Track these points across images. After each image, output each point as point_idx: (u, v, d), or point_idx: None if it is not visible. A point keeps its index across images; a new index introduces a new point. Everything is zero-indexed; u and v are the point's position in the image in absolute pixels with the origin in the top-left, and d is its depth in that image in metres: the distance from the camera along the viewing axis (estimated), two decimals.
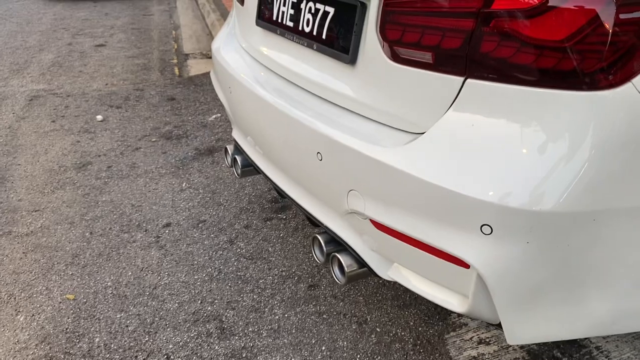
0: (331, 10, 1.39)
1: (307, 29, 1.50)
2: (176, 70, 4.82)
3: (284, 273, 2.13)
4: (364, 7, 1.28)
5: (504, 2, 1.00)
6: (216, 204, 2.64)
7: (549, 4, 0.97)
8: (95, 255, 2.30)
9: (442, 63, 1.11)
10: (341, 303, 1.94)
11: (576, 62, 0.97)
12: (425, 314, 1.85)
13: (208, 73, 4.68)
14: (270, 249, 2.28)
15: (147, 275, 2.17)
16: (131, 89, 4.34)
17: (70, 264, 2.25)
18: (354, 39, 1.31)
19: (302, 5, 1.52)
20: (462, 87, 1.10)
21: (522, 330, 1.18)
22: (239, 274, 2.14)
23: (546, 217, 1.00)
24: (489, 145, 1.06)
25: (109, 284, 2.13)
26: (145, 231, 2.45)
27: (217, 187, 2.79)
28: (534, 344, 1.72)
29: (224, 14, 6.17)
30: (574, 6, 0.96)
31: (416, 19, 1.13)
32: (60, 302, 2.02)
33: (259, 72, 1.75)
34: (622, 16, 0.94)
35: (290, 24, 1.58)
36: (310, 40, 1.49)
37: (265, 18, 1.74)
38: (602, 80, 0.97)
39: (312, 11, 1.47)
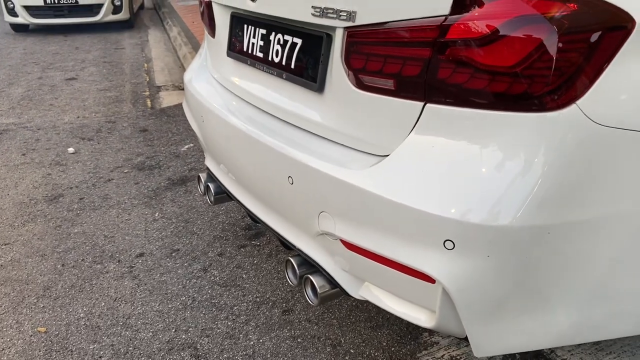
0: (299, 41, 1.46)
1: (276, 59, 1.57)
2: (148, 103, 4.85)
3: (258, 299, 2.14)
4: (330, 38, 1.35)
5: (458, 32, 1.08)
6: (189, 232, 2.66)
7: (499, 33, 1.05)
8: (68, 287, 2.29)
9: (403, 89, 1.18)
10: (315, 327, 1.97)
11: (525, 86, 1.05)
12: (397, 334, 1.89)
13: (180, 104, 4.72)
14: (244, 275, 2.30)
15: (120, 305, 2.16)
16: (103, 121, 4.34)
17: (41, 296, 2.23)
18: (321, 68, 1.38)
19: (272, 37, 1.59)
20: (422, 111, 1.17)
21: (488, 343, 1.23)
22: (213, 301, 2.15)
23: (503, 231, 1.07)
24: (448, 165, 1.12)
25: (81, 315, 2.11)
26: (119, 262, 2.45)
27: (190, 216, 2.80)
28: (500, 356, 1.76)
29: (195, 47, 6.26)
30: (522, 35, 1.04)
31: (378, 49, 1.20)
32: (31, 336, 2.00)
33: (230, 101, 1.80)
34: (564, 44, 1.03)
35: (260, 54, 1.65)
36: (280, 70, 1.55)
37: (235, 49, 1.81)
38: (549, 102, 1.05)
39: (281, 42, 1.54)
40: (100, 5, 8.11)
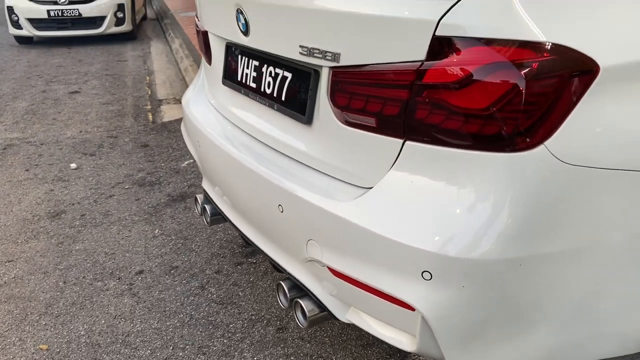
0: (289, 75, 1.54)
1: (268, 91, 1.64)
2: (150, 117, 4.94)
3: (253, 317, 2.21)
4: (318, 74, 1.42)
5: (434, 76, 1.15)
6: (188, 250, 2.72)
7: (472, 78, 1.12)
8: (69, 304, 2.35)
9: (384, 127, 1.25)
10: (308, 345, 2.03)
11: (496, 127, 1.12)
12: (387, 352, 1.95)
13: (181, 119, 4.80)
14: (240, 293, 2.36)
15: (120, 323, 2.22)
16: (105, 136, 4.43)
17: (43, 314, 2.30)
18: (309, 102, 1.45)
19: (264, 69, 1.66)
20: (402, 148, 1.23)
21: None
22: (210, 319, 2.22)
23: (477, 264, 1.13)
24: (426, 200, 1.19)
25: (82, 332, 2.18)
26: (119, 279, 2.52)
27: (189, 233, 2.87)
28: None
29: (197, 60, 6.35)
30: (493, 80, 1.11)
31: (360, 89, 1.27)
32: (33, 353, 2.06)
33: (225, 128, 1.87)
34: (532, 89, 1.09)
35: (254, 85, 1.72)
36: (272, 101, 1.62)
37: (230, 78, 1.88)
38: (519, 143, 1.11)
39: (272, 75, 1.61)
40: (103, 18, 8.22)
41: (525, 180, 1.12)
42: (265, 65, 1.65)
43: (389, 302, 1.28)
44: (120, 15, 8.25)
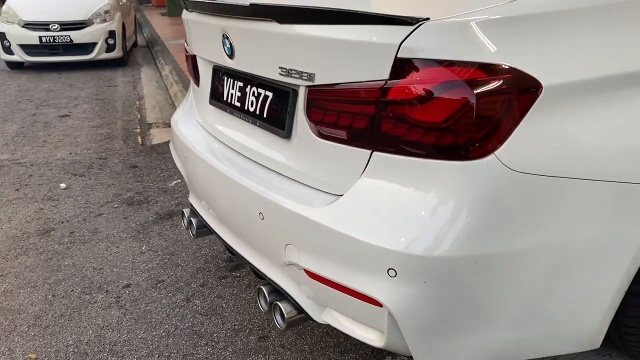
0: (270, 94, 1.67)
1: (251, 109, 1.78)
2: (139, 139, 5.05)
3: (236, 327, 2.30)
4: (295, 93, 1.56)
5: (396, 93, 1.29)
6: (174, 264, 2.82)
7: (429, 95, 1.26)
8: (58, 316, 2.43)
9: (354, 139, 1.39)
10: (288, 352, 2.12)
11: (452, 138, 1.26)
12: (363, 357, 2.05)
13: (169, 141, 4.92)
14: (224, 305, 2.46)
15: (107, 333, 2.30)
16: (95, 157, 4.53)
17: (32, 325, 2.37)
18: (288, 118, 1.58)
19: (247, 89, 1.80)
20: (370, 158, 1.37)
21: None
22: (194, 329, 2.30)
23: (436, 261, 1.26)
24: (391, 204, 1.32)
25: (70, 342, 2.25)
26: (106, 292, 2.60)
27: (175, 249, 2.97)
28: None
29: (186, 86, 6.50)
30: (448, 97, 1.25)
31: (333, 105, 1.41)
32: None
33: (211, 144, 2.00)
34: (483, 105, 1.24)
35: (238, 104, 1.86)
36: (254, 118, 1.76)
37: (217, 98, 2.02)
38: (472, 152, 1.25)
39: (255, 94, 1.75)
40: (94, 44, 8.38)
41: (478, 186, 1.25)
42: (249, 86, 1.79)
43: (359, 300, 1.40)
44: (111, 41, 8.42)
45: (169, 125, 5.54)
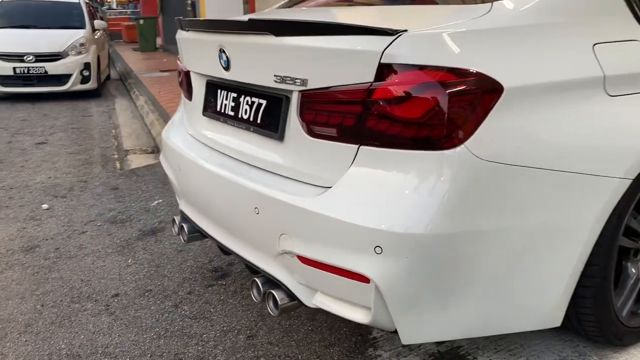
0: (264, 102, 1.86)
1: (245, 116, 1.96)
2: (117, 165, 5.14)
3: (225, 328, 2.41)
4: (288, 98, 1.75)
5: (380, 94, 1.49)
6: (161, 275, 2.92)
7: (408, 95, 1.47)
8: (48, 323, 2.50)
9: (343, 136, 1.58)
10: (276, 347, 2.25)
11: (427, 132, 1.46)
12: (347, 350, 2.19)
13: (149, 166, 5.03)
14: (212, 309, 2.57)
15: (99, 337, 2.38)
16: (75, 181, 4.60)
17: (23, 332, 2.43)
18: (282, 121, 1.77)
19: (241, 99, 1.98)
20: (357, 152, 1.56)
21: (412, 332, 1.57)
22: (184, 331, 2.41)
23: (416, 238, 1.44)
24: (376, 190, 1.50)
25: (62, 346, 2.32)
26: (95, 301, 2.68)
27: (161, 262, 3.07)
28: None
29: (162, 114, 6.64)
30: (424, 96, 1.46)
31: (324, 106, 1.61)
32: None
33: (204, 151, 2.16)
34: (454, 103, 1.45)
35: (232, 113, 2.03)
36: (248, 124, 1.94)
37: (210, 109, 2.19)
38: (445, 143, 1.46)
39: (249, 103, 1.93)
40: (69, 76, 8.47)
41: (451, 173, 1.45)
42: (243, 96, 1.97)
43: (348, 279, 1.56)
44: (86, 73, 8.53)
45: (146, 151, 5.66)
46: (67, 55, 8.46)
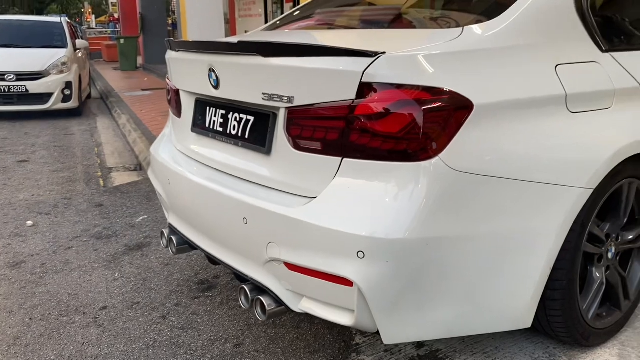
0: (252, 118, 1.97)
1: (233, 132, 2.06)
2: (101, 182, 5.19)
3: (212, 337, 2.49)
4: (275, 115, 1.87)
5: (361, 110, 1.62)
6: (148, 289, 2.98)
7: (387, 111, 1.60)
8: (37, 336, 2.54)
9: (327, 149, 1.70)
10: (263, 355, 2.33)
11: (405, 145, 1.59)
12: (331, 355, 2.28)
13: (133, 183, 5.08)
14: (199, 320, 2.64)
15: (88, 348, 2.44)
16: (59, 198, 4.64)
17: (12, 345, 2.47)
18: (269, 136, 1.88)
19: (229, 116, 2.09)
20: (340, 164, 1.68)
21: (393, 332, 1.67)
22: (172, 341, 2.48)
23: (396, 242, 1.55)
24: (358, 199, 1.62)
25: (52, 357, 2.37)
26: (84, 314, 2.73)
27: (147, 276, 3.13)
28: None
29: (145, 132, 6.71)
30: (402, 112, 1.59)
31: (309, 122, 1.72)
32: None
33: (193, 166, 2.26)
34: (428, 119, 1.58)
35: (220, 129, 2.14)
36: (236, 139, 2.04)
37: (199, 126, 2.30)
38: (421, 155, 1.58)
39: (238, 119, 2.04)
40: (50, 94, 8.48)
41: (427, 182, 1.58)
42: (232, 112, 2.08)
43: (332, 283, 1.67)
44: (67, 92, 8.56)
45: (129, 169, 5.71)
46: (49, 74, 8.48)
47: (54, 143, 6.96)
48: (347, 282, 1.63)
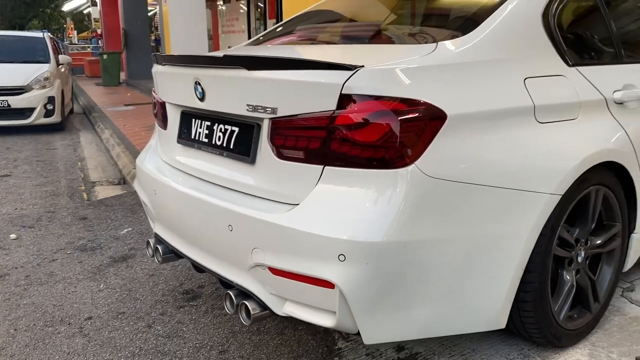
0: (236, 129, 2.05)
1: (218, 143, 2.14)
2: (85, 196, 5.20)
3: (197, 344, 2.53)
4: (259, 126, 1.95)
5: (342, 120, 1.70)
6: (133, 299, 3.01)
7: (366, 121, 1.69)
8: (22, 346, 2.56)
9: (309, 158, 1.78)
10: None
11: (383, 153, 1.67)
12: None
13: (117, 196, 5.10)
14: (184, 328, 2.68)
15: (74, 357, 2.46)
16: (42, 211, 4.64)
17: None
18: (253, 146, 1.96)
19: (215, 127, 2.17)
20: (322, 172, 1.76)
21: (373, 332, 1.74)
22: (158, 349, 2.51)
23: (375, 245, 1.63)
24: (340, 205, 1.70)
25: None
26: (69, 324, 2.75)
27: (132, 286, 3.17)
28: None
29: (128, 147, 6.73)
30: (380, 122, 1.68)
31: (292, 132, 1.81)
32: None
33: (179, 176, 2.32)
34: (404, 128, 1.67)
35: (206, 140, 2.21)
36: (222, 149, 2.12)
37: (184, 137, 2.36)
38: (398, 162, 1.67)
39: (223, 130, 2.12)
40: (32, 109, 8.47)
41: (404, 188, 1.66)
42: (217, 124, 2.16)
43: (315, 286, 1.74)
44: (50, 107, 8.55)
45: (113, 183, 5.73)
46: (31, 89, 8.47)
47: (37, 157, 6.94)
48: (328, 285, 1.70)
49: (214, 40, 14.81)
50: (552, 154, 1.94)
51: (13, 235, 4.01)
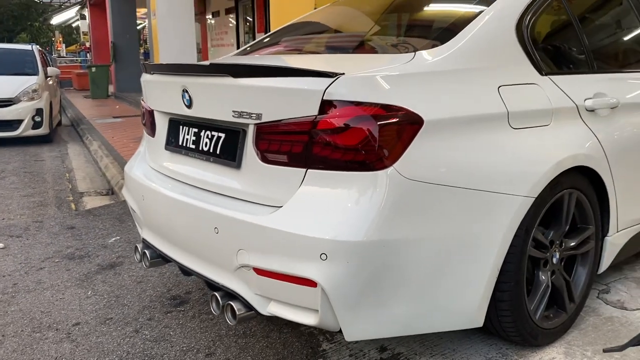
0: (223, 134, 2.12)
1: (205, 148, 2.20)
2: (73, 206, 5.22)
3: (184, 348, 2.57)
4: (245, 131, 2.02)
5: (323, 125, 1.78)
6: (121, 305, 3.05)
7: (346, 126, 1.76)
8: (10, 352, 2.59)
9: (292, 161, 1.85)
10: None
11: (363, 156, 1.75)
12: None
13: (105, 206, 5.13)
14: (171, 332, 2.72)
15: None
16: (30, 221, 4.66)
17: None
18: (239, 151, 2.03)
19: (202, 133, 2.23)
20: (305, 174, 1.83)
21: (354, 330, 1.81)
22: (145, 352, 2.55)
23: (355, 244, 1.70)
24: (322, 206, 1.77)
25: None
26: (57, 330, 2.78)
27: (120, 293, 3.20)
28: None
29: (116, 158, 6.76)
30: (360, 126, 1.76)
31: (276, 136, 1.88)
32: None
33: (167, 182, 2.38)
34: (383, 132, 1.75)
35: (193, 146, 2.28)
36: (208, 155, 2.18)
37: (172, 144, 2.43)
38: (377, 165, 1.75)
39: (209, 136, 2.18)
40: (20, 121, 8.47)
41: (383, 190, 1.74)
42: (204, 130, 2.22)
43: (298, 285, 1.80)
44: (38, 119, 8.56)
45: (101, 193, 5.76)
46: (19, 100, 8.48)
47: (24, 169, 6.95)
48: (311, 283, 1.77)
49: (202, 53, 14.91)
50: (525, 158, 2.03)
51: (0, 245, 4.03)
